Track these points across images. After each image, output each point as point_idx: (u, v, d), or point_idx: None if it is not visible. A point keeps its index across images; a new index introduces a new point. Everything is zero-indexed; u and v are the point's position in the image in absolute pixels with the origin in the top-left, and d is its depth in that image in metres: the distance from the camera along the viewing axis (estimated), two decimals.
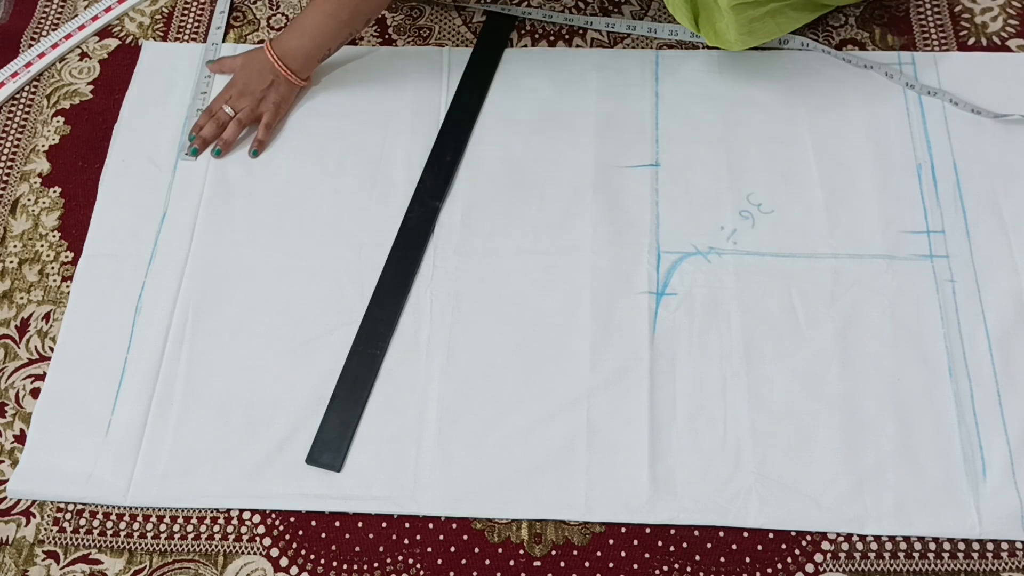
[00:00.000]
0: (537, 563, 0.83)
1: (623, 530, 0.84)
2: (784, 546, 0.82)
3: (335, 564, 0.83)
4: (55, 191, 1.04)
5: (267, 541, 0.84)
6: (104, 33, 1.16)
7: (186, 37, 1.15)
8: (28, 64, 1.13)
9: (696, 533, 0.83)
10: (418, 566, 0.83)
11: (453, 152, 1.02)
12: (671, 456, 0.86)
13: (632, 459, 0.86)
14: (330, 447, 0.86)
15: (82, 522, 0.86)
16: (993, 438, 0.85)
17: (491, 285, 0.95)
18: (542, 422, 0.88)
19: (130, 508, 0.86)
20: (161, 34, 1.16)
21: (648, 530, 0.84)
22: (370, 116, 1.07)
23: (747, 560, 0.82)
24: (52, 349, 0.94)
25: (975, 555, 0.81)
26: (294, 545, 0.84)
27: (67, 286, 0.97)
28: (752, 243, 0.96)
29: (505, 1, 1.15)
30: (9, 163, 1.07)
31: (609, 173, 1.01)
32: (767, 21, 1.00)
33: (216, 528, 0.85)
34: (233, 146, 1.04)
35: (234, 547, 0.84)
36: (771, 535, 0.83)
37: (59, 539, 0.85)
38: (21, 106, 1.11)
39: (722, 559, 0.82)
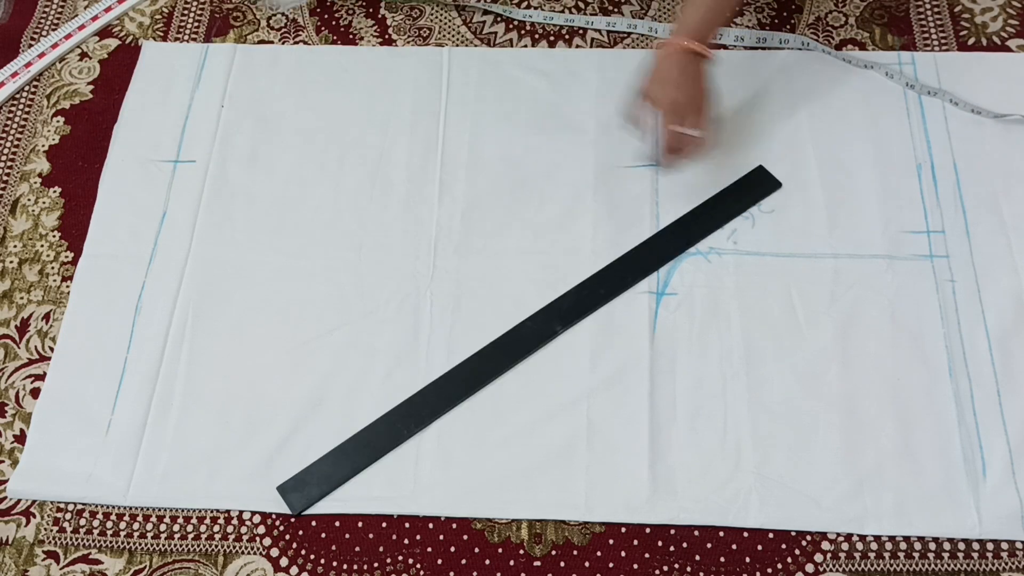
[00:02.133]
0: (537, 563, 0.83)
1: (623, 530, 0.84)
2: (784, 546, 0.82)
3: (335, 564, 0.83)
4: (55, 191, 1.04)
5: (267, 541, 0.84)
6: (104, 33, 1.16)
7: (186, 37, 1.15)
8: (28, 64, 1.13)
9: (696, 533, 0.83)
10: (418, 566, 0.83)
11: (609, 288, 0.94)
12: (671, 456, 0.86)
13: (632, 459, 0.86)
14: (302, 490, 0.85)
15: (82, 522, 0.86)
16: (993, 438, 0.85)
17: (491, 285, 0.95)
18: (542, 422, 0.88)
19: (130, 508, 0.86)
20: (161, 34, 1.16)
21: (648, 530, 0.84)
22: (370, 116, 1.07)
23: (747, 560, 0.82)
24: (52, 349, 0.94)
25: (975, 555, 0.81)
26: (294, 545, 0.84)
27: (67, 286, 0.97)
28: (752, 243, 0.96)
29: (505, 1, 1.15)
30: (9, 163, 1.07)
31: (609, 173, 1.01)
32: None
33: (216, 528, 0.85)
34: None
35: (234, 547, 0.84)
36: (771, 535, 0.83)
37: (59, 539, 0.85)
38: (21, 106, 1.11)
39: (722, 559, 0.82)
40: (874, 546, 0.82)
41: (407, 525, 0.85)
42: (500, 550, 0.83)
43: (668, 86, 0.92)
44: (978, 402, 0.87)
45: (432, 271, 0.96)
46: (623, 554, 0.83)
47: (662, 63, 0.93)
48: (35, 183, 1.05)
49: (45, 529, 0.86)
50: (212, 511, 0.86)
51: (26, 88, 1.12)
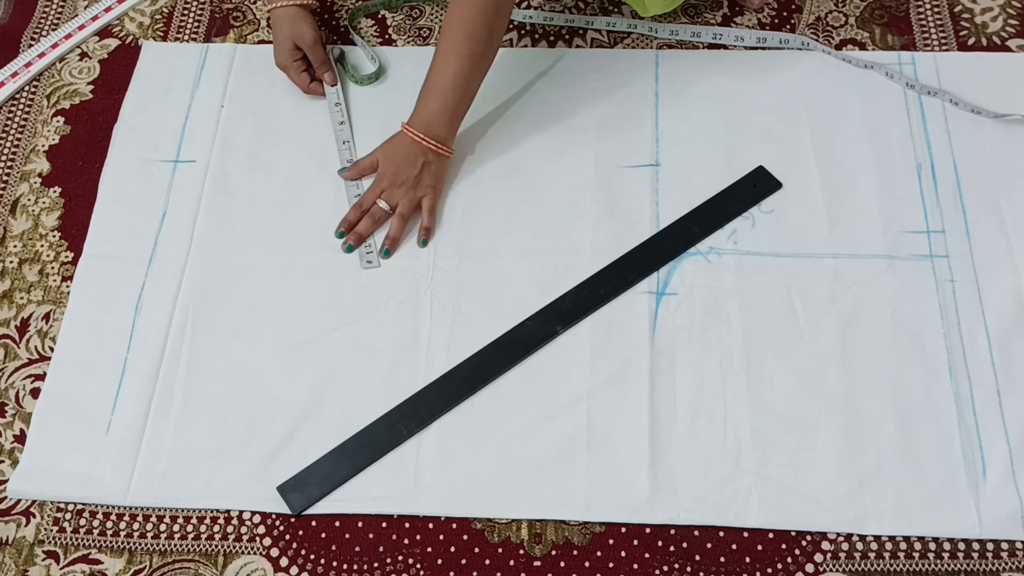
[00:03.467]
0: (537, 563, 0.83)
1: (623, 530, 0.84)
2: (784, 546, 0.82)
3: (335, 564, 0.83)
4: (55, 191, 1.04)
5: (267, 541, 0.84)
6: (104, 33, 1.16)
7: (186, 37, 1.15)
8: (28, 64, 1.13)
9: (696, 533, 0.83)
10: (418, 566, 0.83)
11: (610, 288, 0.94)
12: (671, 456, 0.86)
13: (632, 459, 0.85)
14: (302, 490, 0.85)
15: (82, 522, 0.86)
16: (993, 438, 0.85)
17: (491, 285, 0.95)
18: (542, 422, 0.88)
19: (130, 508, 0.86)
20: (161, 34, 1.16)
21: (648, 530, 0.84)
22: (370, 116, 1.07)
23: (747, 560, 0.82)
24: (52, 349, 0.94)
25: (975, 555, 0.81)
26: (294, 545, 0.84)
27: (67, 286, 0.97)
28: (752, 243, 0.96)
29: None
30: (9, 163, 1.07)
31: (609, 173, 1.01)
32: None
33: (216, 528, 0.85)
34: (402, 242, 0.97)
35: (234, 547, 0.84)
36: (771, 535, 0.83)
37: (59, 539, 0.85)
38: (21, 106, 1.11)
39: (722, 559, 0.82)
40: (874, 546, 0.82)
41: (407, 525, 0.85)
42: (500, 550, 0.83)
43: (400, 166, 0.97)
44: (978, 402, 0.87)
45: (432, 271, 0.96)
46: (623, 554, 0.83)
47: (400, 144, 0.97)
48: (35, 183, 1.05)
49: (45, 529, 0.86)
50: (212, 511, 0.86)
51: (26, 88, 1.12)
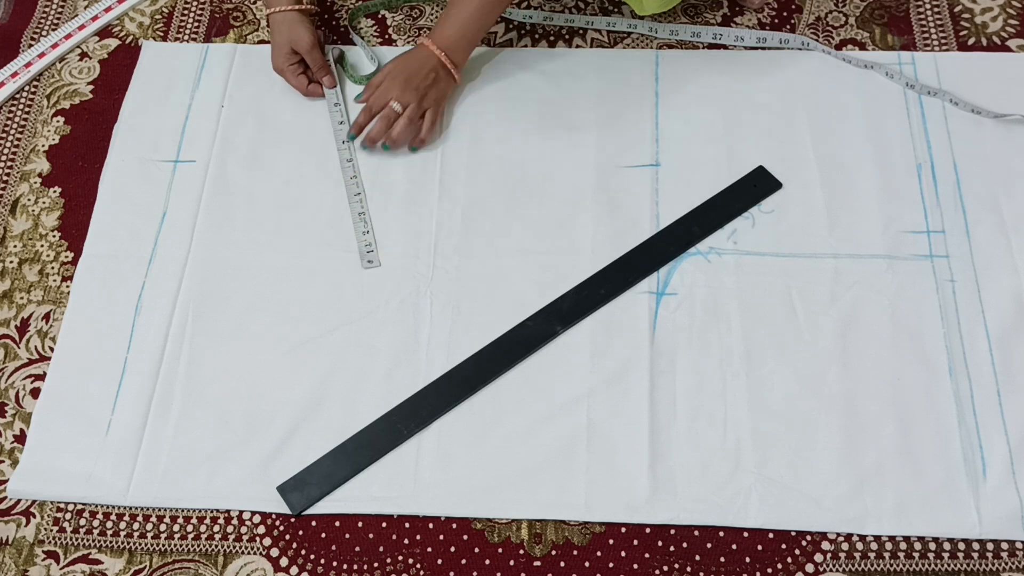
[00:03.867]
0: (537, 563, 0.83)
1: (623, 530, 0.84)
2: (784, 546, 0.82)
3: (335, 564, 0.83)
4: (55, 191, 1.04)
5: (267, 541, 0.84)
6: (104, 33, 1.16)
7: (186, 37, 1.15)
8: (28, 64, 1.13)
9: (696, 533, 0.83)
10: (418, 566, 0.83)
11: (610, 288, 0.94)
12: (671, 456, 0.86)
13: (632, 459, 0.86)
14: (302, 490, 0.85)
15: (82, 522, 0.86)
16: (993, 438, 0.85)
17: (491, 285, 0.95)
18: (542, 422, 0.88)
19: (130, 508, 0.86)
20: (161, 34, 1.16)
21: (648, 530, 0.84)
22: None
23: (747, 560, 0.82)
24: (52, 349, 0.94)
25: (975, 555, 0.81)
26: (294, 545, 0.84)
27: (67, 286, 0.97)
28: (752, 243, 0.96)
29: None
30: (9, 163, 1.07)
31: (609, 173, 1.01)
32: None
33: (216, 528, 0.85)
34: (404, 143, 1.02)
35: (234, 547, 0.84)
36: (771, 535, 0.83)
37: (59, 539, 0.85)
38: (21, 106, 1.11)
39: (722, 559, 0.82)
40: (874, 546, 0.82)
41: (407, 525, 0.85)
42: (500, 550, 0.83)
43: (414, 73, 1.00)
44: (978, 402, 0.87)
45: (432, 271, 0.96)
46: (623, 554, 0.83)
47: (416, 56, 1.01)
48: (35, 183, 1.05)
49: (45, 529, 0.86)
50: (212, 511, 0.86)
51: (26, 88, 1.12)
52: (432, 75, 1.00)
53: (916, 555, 0.82)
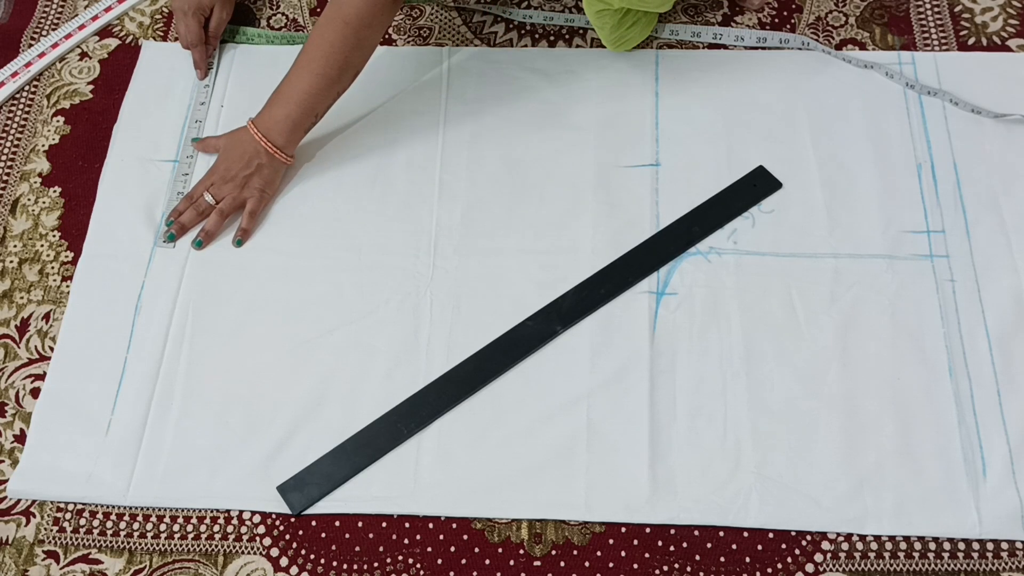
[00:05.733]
0: (537, 563, 0.83)
1: (623, 530, 0.84)
2: (784, 546, 0.82)
3: (335, 564, 0.83)
4: (55, 191, 1.04)
5: (267, 541, 0.84)
6: (104, 33, 1.16)
7: None
8: (28, 64, 1.13)
9: (696, 533, 0.83)
10: (418, 566, 0.83)
11: (610, 288, 0.94)
12: (671, 456, 0.86)
13: (632, 459, 0.85)
14: (302, 490, 0.85)
15: (82, 522, 0.86)
16: (993, 438, 0.85)
17: (491, 285, 0.95)
18: (542, 422, 0.88)
19: (130, 508, 0.86)
20: (161, 34, 1.16)
21: (648, 530, 0.84)
22: (370, 116, 1.07)
23: (747, 560, 0.82)
24: (52, 349, 0.94)
25: (975, 555, 0.81)
26: (294, 545, 0.84)
27: (67, 286, 0.97)
28: (752, 243, 0.96)
29: (505, 2, 1.15)
30: (9, 163, 1.07)
31: (609, 173, 1.01)
32: (630, 30, 1.05)
33: (216, 528, 0.85)
34: (216, 237, 0.98)
35: (234, 547, 0.84)
36: (771, 535, 0.83)
37: (59, 539, 0.85)
38: (21, 106, 1.11)
39: (722, 559, 0.82)
40: (874, 546, 0.82)
41: (407, 525, 0.85)
42: (500, 550, 0.83)
43: (234, 162, 0.98)
44: (978, 402, 0.87)
45: (432, 271, 0.96)
46: (623, 554, 0.83)
47: (238, 141, 0.98)
48: (35, 183, 1.05)
49: (45, 529, 0.86)
50: (212, 511, 0.86)
51: (26, 88, 1.12)
52: (255, 162, 0.97)
53: (916, 555, 0.82)
